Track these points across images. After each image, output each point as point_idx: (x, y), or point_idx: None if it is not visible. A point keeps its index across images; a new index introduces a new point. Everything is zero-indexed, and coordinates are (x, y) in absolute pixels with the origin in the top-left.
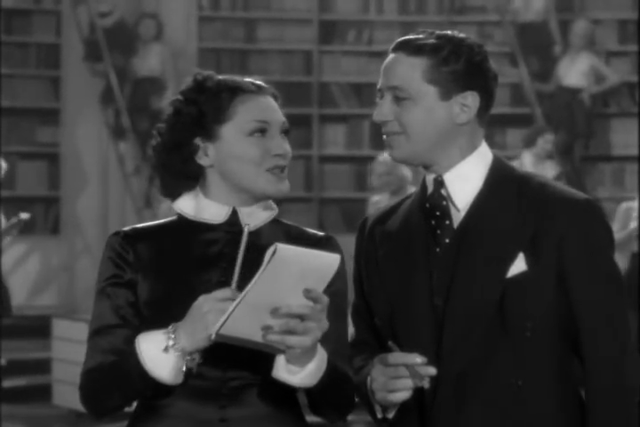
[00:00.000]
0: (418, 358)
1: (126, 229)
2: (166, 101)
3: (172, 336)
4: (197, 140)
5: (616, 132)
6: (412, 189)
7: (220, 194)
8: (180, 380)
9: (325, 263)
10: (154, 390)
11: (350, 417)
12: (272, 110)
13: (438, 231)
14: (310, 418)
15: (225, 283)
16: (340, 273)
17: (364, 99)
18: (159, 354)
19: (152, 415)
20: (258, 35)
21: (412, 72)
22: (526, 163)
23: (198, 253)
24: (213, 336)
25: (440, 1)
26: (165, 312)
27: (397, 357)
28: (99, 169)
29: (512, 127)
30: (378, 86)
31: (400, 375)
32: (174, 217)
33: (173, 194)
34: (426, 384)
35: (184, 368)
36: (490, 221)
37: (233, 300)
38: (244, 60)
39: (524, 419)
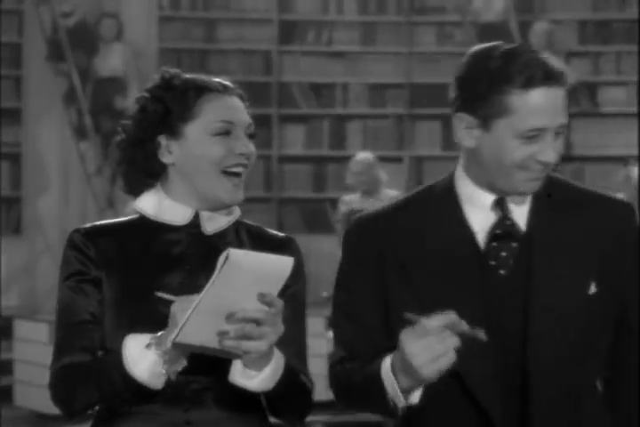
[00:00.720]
0: (454, 315)
1: (87, 226)
2: (129, 101)
3: (157, 336)
4: (161, 138)
5: (576, 132)
6: (386, 192)
7: (182, 194)
8: (158, 383)
9: (279, 266)
10: (134, 394)
11: (309, 418)
12: (238, 111)
13: (503, 253)
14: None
15: (186, 285)
16: (297, 275)
17: (323, 99)
18: (141, 351)
19: (117, 417)
20: (218, 35)
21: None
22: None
23: (160, 254)
24: (169, 345)
25: (400, 1)
26: (127, 312)
27: (435, 319)
28: (60, 169)
29: None
30: (543, 126)
31: (445, 338)
32: (135, 215)
33: (135, 191)
34: (482, 335)
35: (164, 371)
36: (556, 241)
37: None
38: (205, 60)
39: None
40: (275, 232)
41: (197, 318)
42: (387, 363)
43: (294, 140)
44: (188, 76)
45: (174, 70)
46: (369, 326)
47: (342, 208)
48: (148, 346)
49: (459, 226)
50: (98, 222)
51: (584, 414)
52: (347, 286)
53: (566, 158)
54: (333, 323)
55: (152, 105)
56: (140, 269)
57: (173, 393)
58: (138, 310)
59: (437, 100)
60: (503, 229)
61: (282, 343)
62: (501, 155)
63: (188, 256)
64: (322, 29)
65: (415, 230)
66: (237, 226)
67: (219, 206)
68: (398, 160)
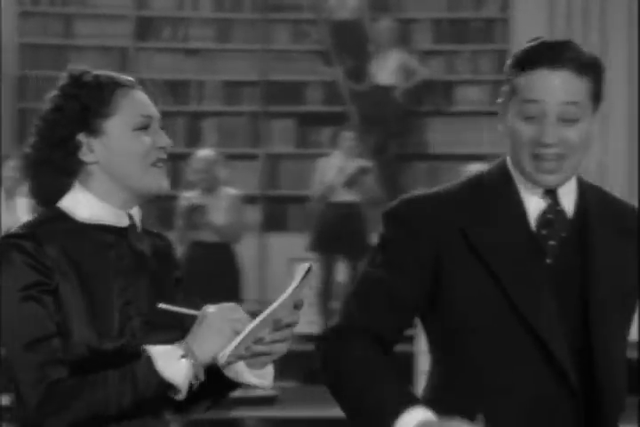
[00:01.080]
0: None
1: (25, 231)
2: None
3: (185, 347)
4: (81, 136)
5: (431, 130)
6: (226, 190)
7: (106, 192)
8: (184, 390)
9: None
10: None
11: (168, 416)
12: (150, 105)
13: (551, 242)
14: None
15: (127, 290)
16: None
17: (178, 96)
18: (177, 361)
19: None
20: (75, 30)
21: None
22: (334, 161)
23: (100, 258)
24: (225, 360)
25: None
26: (98, 321)
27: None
28: None
29: (326, 126)
30: (538, 98)
31: None
32: (52, 215)
33: (50, 193)
34: None
35: (191, 379)
36: (605, 235)
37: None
38: (63, 56)
39: None
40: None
41: (256, 330)
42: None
43: None
44: (96, 72)
45: (82, 67)
46: (403, 301)
47: (182, 203)
48: (184, 356)
49: (517, 213)
50: (30, 227)
51: None
52: (390, 263)
53: (421, 157)
54: (353, 295)
55: (67, 103)
56: (96, 275)
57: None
58: (109, 319)
59: (292, 98)
60: (554, 214)
61: None
62: (513, 135)
63: (129, 258)
64: (177, 26)
65: (478, 216)
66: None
67: (146, 198)
68: (253, 157)
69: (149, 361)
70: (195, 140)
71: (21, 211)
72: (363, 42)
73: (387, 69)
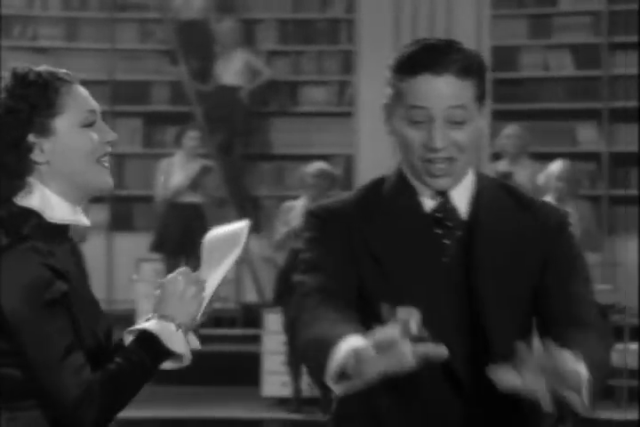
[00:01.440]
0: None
1: (28, 244)
2: None
3: (172, 318)
4: (31, 137)
5: (276, 130)
6: None
7: (64, 192)
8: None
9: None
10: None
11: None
12: (92, 99)
13: (446, 241)
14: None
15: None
16: None
17: None
18: (174, 332)
19: None
20: None
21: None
22: (176, 162)
23: (74, 260)
24: (200, 318)
25: None
26: (87, 324)
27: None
28: None
29: (172, 125)
30: (423, 105)
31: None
32: (26, 217)
33: (3, 194)
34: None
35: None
36: (500, 231)
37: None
38: None
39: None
40: None
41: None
42: (345, 346)
43: None
44: (37, 69)
45: (24, 66)
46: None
47: None
48: (178, 327)
49: (416, 213)
50: (25, 231)
51: None
52: (319, 265)
53: (266, 157)
54: (299, 305)
55: (15, 104)
56: (73, 273)
57: None
58: (94, 317)
59: (139, 98)
60: (444, 213)
61: None
62: (402, 140)
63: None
64: (27, 24)
65: (376, 217)
66: None
67: (94, 195)
68: None
69: (155, 340)
70: None
71: None
72: (208, 42)
73: (232, 70)
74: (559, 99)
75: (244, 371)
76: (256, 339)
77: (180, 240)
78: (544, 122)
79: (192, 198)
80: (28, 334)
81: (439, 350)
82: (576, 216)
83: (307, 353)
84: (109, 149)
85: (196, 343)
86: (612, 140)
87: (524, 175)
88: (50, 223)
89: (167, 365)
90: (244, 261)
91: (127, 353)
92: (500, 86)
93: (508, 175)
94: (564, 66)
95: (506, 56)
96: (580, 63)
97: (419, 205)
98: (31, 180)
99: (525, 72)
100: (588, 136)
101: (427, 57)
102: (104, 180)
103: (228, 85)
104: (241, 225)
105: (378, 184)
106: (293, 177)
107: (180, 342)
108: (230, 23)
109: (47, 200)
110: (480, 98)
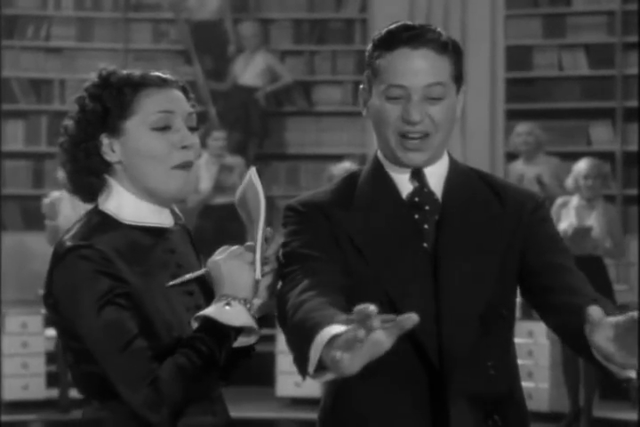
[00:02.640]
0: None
1: (82, 242)
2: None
3: (227, 296)
4: (103, 137)
5: (290, 130)
6: None
7: (136, 193)
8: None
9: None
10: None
11: (31, 416)
12: (177, 101)
13: (425, 226)
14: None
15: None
16: None
17: (42, 95)
18: (237, 310)
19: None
20: None
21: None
22: (202, 163)
23: (149, 257)
24: (259, 276)
25: None
26: (166, 325)
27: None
28: None
29: None
30: (402, 84)
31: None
32: (98, 218)
33: (81, 191)
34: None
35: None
36: (470, 215)
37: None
38: None
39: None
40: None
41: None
42: (324, 337)
43: (14, 136)
44: (125, 71)
45: (111, 67)
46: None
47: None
48: (229, 304)
49: (392, 199)
50: (81, 234)
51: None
52: (305, 253)
53: (280, 157)
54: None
55: (90, 104)
56: (149, 274)
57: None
58: (176, 313)
59: None
60: (420, 197)
61: None
62: (378, 116)
63: (174, 254)
64: (40, 25)
65: (352, 205)
66: None
67: (168, 201)
68: None
69: (217, 324)
70: (57, 139)
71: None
72: (223, 42)
73: (252, 71)
74: (573, 98)
75: (258, 371)
76: (270, 339)
77: (215, 242)
78: (558, 121)
79: (223, 199)
80: (85, 329)
81: (408, 317)
82: (604, 219)
83: (290, 341)
84: (190, 157)
85: (257, 313)
86: (626, 139)
87: (545, 173)
88: (125, 225)
89: (240, 341)
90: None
91: (194, 342)
92: (514, 86)
93: (539, 178)
94: (579, 65)
95: (520, 56)
96: (594, 63)
97: (395, 191)
98: (110, 179)
99: (539, 72)
100: (601, 135)
101: (404, 32)
102: (174, 186)
103: (243, 86)
104: (249, 175)
105: (354, 176)
106: (307, 177)
107: (244, 317)
108: (249, 24)
109: (123, 202)
110: (457, 78)
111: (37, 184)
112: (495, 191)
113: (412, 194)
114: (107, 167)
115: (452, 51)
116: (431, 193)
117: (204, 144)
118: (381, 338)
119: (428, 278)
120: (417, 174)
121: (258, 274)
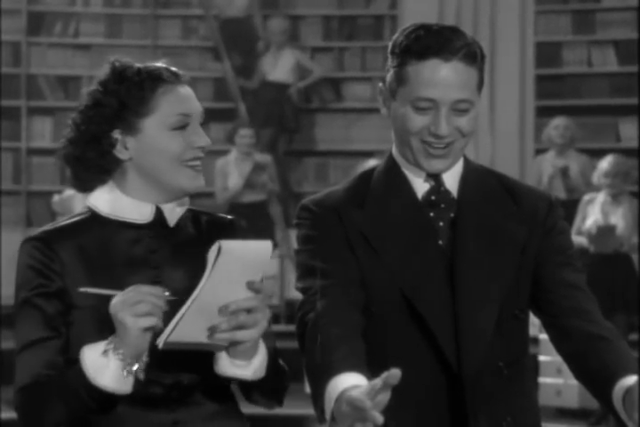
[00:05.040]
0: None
1: (39, 233)
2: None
3: (112, 340)
4: (116, 133)
5: (320, 127)
6: None
7: (139, 190)
8: (126, 388)
9: (261, 251)
10: (100, 402)
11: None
12: (192, 101)
13: (441, 223)
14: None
15: (160, 284)
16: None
17: (69, 91)
18: (98, 358)
19: (103, 421)
20: None
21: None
22: (231, 160)
23: (122, 254)
24: (161, 345)
25: None
26: (98, 319)
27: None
28: None
29: (216, 122)
30: (432, 97)
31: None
32: (85, 214)
33: (86, 187)
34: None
35: (125, 374)
36: (485, 213)
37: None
38: None
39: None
40: (222, 215)
41: (193, 315)
42: (334, 390)
43: (42, 132)
44: (139, 65)
45: (125, 60)
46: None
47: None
48: (105, 353)
49: (407, 198)
50: (50, 227)
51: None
52: (321, 268)
53: (309, 153)
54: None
55: (106, 99)
56: (105, 273)
57: (158, 395)
58: (106, 317)
59: None
60: (437, 195)
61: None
62: (402, 123)
63: (154, 254)
64: (69, 21)
65: (370, 208)
66: (190, 213)
67: (180, 196)
68: None
69: (82, 374)
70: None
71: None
72: (252, 38)
73: (282, 67)
74: (602, 95)
75: (287, 367)
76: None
77: (243, 239)
78: (587, 118)
79: (253, 197)
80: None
81: (391, 374)
82: (630, 215)
83: (308, 379)
84: (200, 154)
85: (138, 370)
86: None
87: (573, 169)
88: (103, 219)
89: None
90: (287, 256)
91: (67, 374)
92: (544, 82)
93: (564, 169)
94: (608, 62)
95: (549, 52)
96: (624, 59)
97: (410, 190)
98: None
99: (569, 68)
100: (631, 132)
101: (435, 41)
102: (189, 181)
103: (274, 82)
104: (264, 245)
105: (368, 174)
106: (336, 173)
107: (109, 376)
108: (279, 20)
109: (104, 196)
110: (480, 85)
111: (64, 181)
112: (509, 190)
113: (429, 193)
114: (117, 165)
115: (480, 58)
116: (448, 192)
117: (232, 141)
118: (378, 419)
119: (444, 277)
120: (433, 174)
121: (160, 341)
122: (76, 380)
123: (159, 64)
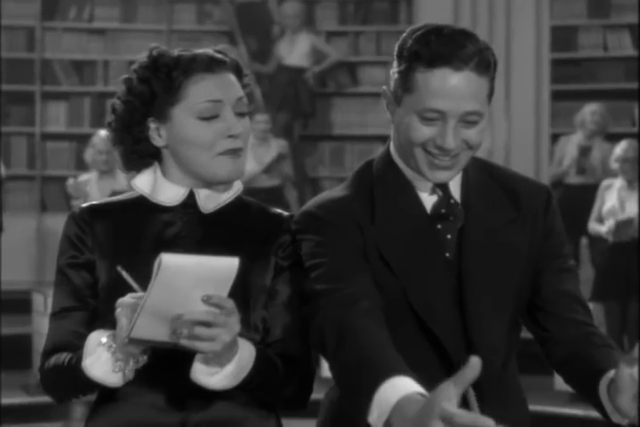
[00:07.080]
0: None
1: (84, 206)
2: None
3: (111, 333)
4: (150, 121)
5: (336, 111)
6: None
7: (176, 175)
8: (114, 381)
9: (223, 268)
10: (90, 388)
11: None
12: (226, 88)
13: (448, 236)
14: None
15: None
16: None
17: (84, 76)
18: (96, 347)
19: (114, 401)
20: None
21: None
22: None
23: (154, 235)
24: (126, 340)
25: None
26: (120, 296)
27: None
28: None
29: None
30: (440, 109)
31: None
32: (134, 193)
33: (132, 169)
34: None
35: (115, 369)
36: (489, 222)
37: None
38: None
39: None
40: (279, 211)
41: (148, 317)
42: (390, 395)
43: (57, 117)
44: (177, 52)
45: (162, 48)
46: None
47: (81, 186)
48: (102, 344)
49: (414, 208)
50: (97, 202)
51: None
52: (341, 275)
53: (325, 138)
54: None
55: (138, 87)
56: (134, 252)
57: (171, 397)
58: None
59: None
60: (447, 209)
61: (271, 331)
62: (407, 132)
63: (182, 238)
64: (83, 6)
65: (381, 222)
66: (241, 203)
67: (216, 184)
68: None
69: (80, 356)
70: (100, 120)
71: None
72: (267, 23)
73: (298, 51)
74: (618, 79)
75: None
76: None
77: None
78: (603, 102)
79: (269, 182)
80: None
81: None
82: None
83: (341, 376)
84: (237, 145)
85: (133, 366)
86: None
87: (596, 156)
88: (147, 201)
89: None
90: None
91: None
92: (559, 66)
93: (586, 149)
94: (624, 46)
95: (565, 36)
96: (639, 43)
97: (419, 204)
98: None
99: (584, 52)
100: None
101: (446, 48)
102: (222, 171)
103: (290, 66)
104: (226, 263)
105: (366, 172)
106: (353, 157)
107: (100, 368)
108: (294, 5)
109: (145, 178)
110: (491, 95)
111: (79, 166)
112: (507, 190)
113: (438, 206)
114: (156, 150)
115: (493, 68)
116: (456, 204)
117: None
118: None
119: (453, 290)
120: (440, 184)
121: (126, 336)
122: (77, 360)
123: (202, 51)
